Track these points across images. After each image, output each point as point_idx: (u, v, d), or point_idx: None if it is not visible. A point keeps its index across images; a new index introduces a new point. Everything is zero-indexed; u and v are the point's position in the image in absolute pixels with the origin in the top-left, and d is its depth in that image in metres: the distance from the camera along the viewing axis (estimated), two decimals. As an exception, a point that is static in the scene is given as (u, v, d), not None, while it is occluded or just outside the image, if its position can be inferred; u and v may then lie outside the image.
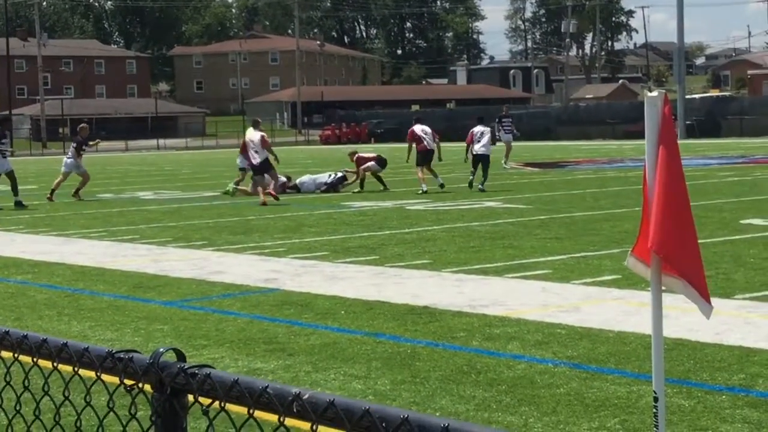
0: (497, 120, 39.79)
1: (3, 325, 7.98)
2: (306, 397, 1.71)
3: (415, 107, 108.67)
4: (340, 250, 15.65)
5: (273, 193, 25.38)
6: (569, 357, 8.44)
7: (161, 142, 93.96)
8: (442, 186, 27.10)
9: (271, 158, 25.52)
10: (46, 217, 23.39)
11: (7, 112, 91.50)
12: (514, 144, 41.31)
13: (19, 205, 26.25)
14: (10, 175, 26.48)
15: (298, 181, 28.81)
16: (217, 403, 1.87)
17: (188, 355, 8.85)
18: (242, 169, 28.31)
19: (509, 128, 40.13)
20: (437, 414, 6.88)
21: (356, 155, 29.43)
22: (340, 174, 29.06)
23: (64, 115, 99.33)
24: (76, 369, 2.15)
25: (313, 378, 8.01)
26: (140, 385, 2.00)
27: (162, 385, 1.95)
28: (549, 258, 14.09)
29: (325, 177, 28.67)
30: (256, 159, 25.36)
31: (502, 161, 37.97)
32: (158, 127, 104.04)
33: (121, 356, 2.05)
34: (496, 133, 36.29)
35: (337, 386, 7.76)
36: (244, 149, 26.72)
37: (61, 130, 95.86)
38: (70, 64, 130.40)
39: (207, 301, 11.64)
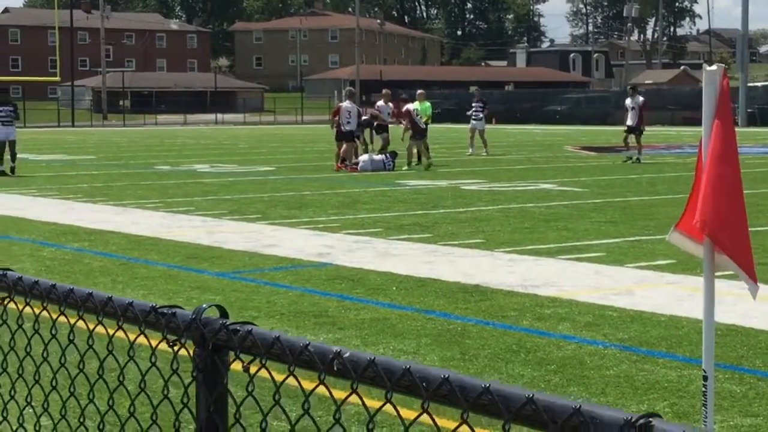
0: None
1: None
2: (347, 355, 1.70)
3: (473, 88, 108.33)
4: (393, 227, 15.64)
5: (344, 165, 28.04)
6: (620, 339, 8.38)
7: (219, 116, 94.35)
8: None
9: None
10: (104, 186, 23.59)
11: (69, 83, 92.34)
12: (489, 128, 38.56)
13: (12, 171, 27.25)
14: (12, 145, 27.53)
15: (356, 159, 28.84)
16: (257, 360, 1.87)
17: (239, 326, 8.93)
18: (357, 137, 29.50)
19: (479, 113, 35.87)
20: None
21: (405, 107, 30.31)
22: (391, 154, 28.96)
23: (125, 88, 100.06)
24: (120, 323, 2.16)
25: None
26: (182, 340, 2.00)
27: (204, 340, 1.95)
28: (603, 241, 13.99)
29: (380, 157, 28.59)
30: (345, 126, 28.33)
31: (468, 150, 35.38)
32: (217, 101, 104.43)
33: (164, 311, 2.05)
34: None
35: (386, 361, 7.75)
36: (336, 114, 29.12)
37: (121, 102, 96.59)
38: (132, 38, 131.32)
39: (259, 274, 11.69)
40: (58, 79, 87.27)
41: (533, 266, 12.03)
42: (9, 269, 2.65)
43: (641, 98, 31.12)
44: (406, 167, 28.51)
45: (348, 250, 13.37)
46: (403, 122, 30.11)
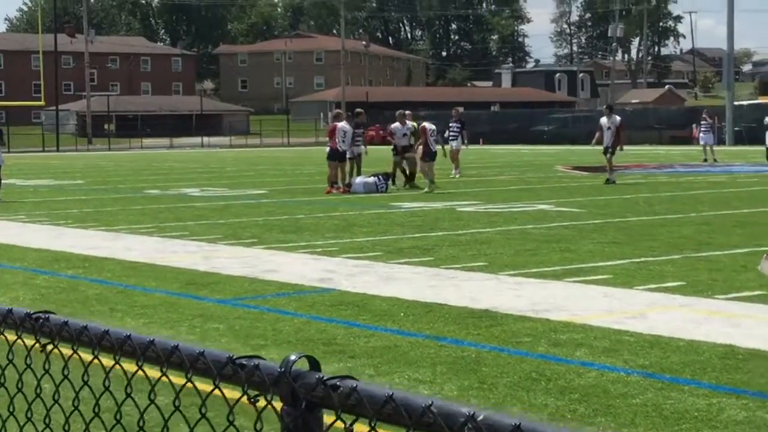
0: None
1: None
2: (480, 418, 1.44)
3: (459, 109, 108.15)
4: (393, 251, 15.38)
5: (335, 187, 27.84)
6: (641, 366, 8.12)
7: (205, 140, 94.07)
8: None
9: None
10: (94, 212, 23.28)
11: (54, 108, 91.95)
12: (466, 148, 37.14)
13: None
14: None
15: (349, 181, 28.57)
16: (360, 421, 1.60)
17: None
18: (351, 159, 29.29)
19: (456, 134, 35.12)
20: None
21: (422, 125, 29.37)
22: (383, 176, 28.69)
23: (110, 112, 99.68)
24: (189, 375, 1.89)
25: (376, 382, 7.74)
26: (268, 396, 1.73)
27: (295, 397, 1.68)
28: (608, 263, 13.75)
29: (373, 180, 28.31)
30: (341, 146, 28.14)
31: (451, 173, 34.14)
32: (203, 125, 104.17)
33: (244, 362, 1.78)
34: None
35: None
36: (331, 135, 28.82)
37: (106, 126, 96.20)
38: (116, 61, 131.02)
39: (261, 300, 11.41)
40: (42, 103, 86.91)
41: (540, 290, 11.77)
42: (52, 312, 2.38)
43: (618, 118, 30.39)
44: (426, 189, 27.52)
45: (350, 275, 13.09)
46: (392, 140, 29.88)
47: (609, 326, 9.64)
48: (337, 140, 28.21)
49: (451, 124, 35.42)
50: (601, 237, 16.71)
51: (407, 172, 29.65)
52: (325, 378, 1.64)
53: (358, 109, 31.52)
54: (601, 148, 30.09)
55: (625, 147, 31.00)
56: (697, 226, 18.10)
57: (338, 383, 1.62)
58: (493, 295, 11.48)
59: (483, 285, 12.19)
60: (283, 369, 1.69)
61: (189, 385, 2.00)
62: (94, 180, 37.45)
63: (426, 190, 27.40)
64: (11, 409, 2.53)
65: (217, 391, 1.86)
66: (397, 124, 30.35)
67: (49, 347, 2.29)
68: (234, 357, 1.78)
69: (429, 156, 28.19)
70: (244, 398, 1.80)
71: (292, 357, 1.72)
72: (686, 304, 10.73)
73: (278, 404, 1.77)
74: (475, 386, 7.60)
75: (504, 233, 17.55)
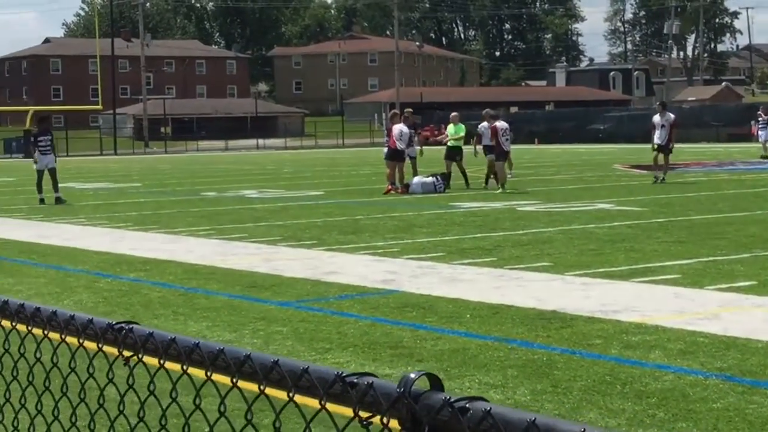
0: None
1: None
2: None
3: (513, 109, 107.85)
4: (455, 251, 15.19)
5: (393, 187, 27.62)
6: (719, 369, 7.87)
7: (260, 141, 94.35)
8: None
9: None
10: (153, 214, 23.28)
11: (111, 111, 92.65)
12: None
13: (58, 201, 27.08)
14: (52, 172, 27.24)
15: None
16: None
17: (312, 359, 8.47)
18: (413, 158, 29.29)
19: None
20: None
21: (493, 124, 28.52)
22: (441, 177, 28.49)
23: (166, 115, 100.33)
24: (291, 394, 1.72)
25: (447, 386, 7.49)
26: (384, 419, 1.56)
27: (417, 422, 1.51)
28: (675, 262, 13.46)
29: (431, 180, 28.12)
30: (398, 145, 27.84)
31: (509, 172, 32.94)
32: (257, 127, 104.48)
33: (355, 380, 1.61)
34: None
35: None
36: (390, 134, 28.66)
37: (162, 129, 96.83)
38: (172, 65, 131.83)
39: (324, 303, 11.26)
40: (100, 107, 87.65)
41: (608, 290, 11.53)
42: (136, 323, 2.22)
43: (672, 115, 29.66)
44: (500, 190, 27.06)
45: (413, 276, 12.92)
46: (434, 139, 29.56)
47: (682, 327, 9.38)
48: (393, 138, 28.03)
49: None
50: (665, 236, 16.40)
51: (489, 173, 28.96)
52: (451, 399, 1.47)
53: (408, 110, 31.29)
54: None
55: (683, 145, 30.29)
56: (765, 225, 17.73)
57: (467, 405, 1.45)
58: (561, 295, 11.25)
59: (549, 285, 11.96)
60: (402, 389, 1.52)
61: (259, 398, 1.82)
62: (152, 182, 37.57)
63: (499, 191, 26.92)
64: (92, 427, 2.38)
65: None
66: (484, 124, 29.60)
67: (134, 360, 2.13)
68: (343, 374, 1.61)
69: (501, 156, 27.70)
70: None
71: (412, 375, 1.55)
72: (760, 304, 10.45)
73: (394, 424, 1.60)
74: (548, 390, 7.40)
75: (566, 233, 17.29)
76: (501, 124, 28.12)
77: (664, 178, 29.04)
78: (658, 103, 32.04)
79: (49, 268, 14.65)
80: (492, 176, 28.50)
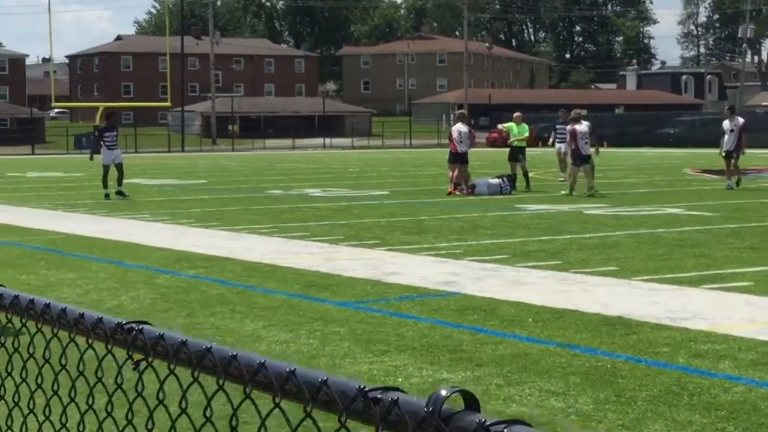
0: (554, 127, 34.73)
1: (174, 322, 7.43)
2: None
3: (583, 112, 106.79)
4: (519, 254, 14.89)
5: (458, 189, 27.31)
6: (793, 381, 7.53)
7: (327, 140, 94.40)
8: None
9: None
10: (216, 211, 23.22)
11: (179, 109, 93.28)
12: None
13: (120, 194, 27.22)
14: (119, 167, 27.54)
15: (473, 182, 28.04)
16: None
17: (368, 362, 8.25)
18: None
19: (564, 136, 32.32)
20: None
21: (572, 127, 27.40)
22: (508, 178, 28.15)
23: (234, 113, 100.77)
24: (308, 409, 1.49)
25: (506, 393, 7.30)
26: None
27: (448, 446, 1.27)
28: (747, 269, 13.06)
29: (497, 181, 27.79)
30: (460, 147, 27.62)
31: (560, 176, 32.92)
32: (325, 125, 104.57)
33: (378, 396, 1.37)
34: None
35: (534, 403, 7.03)
36: (450, 140, 28.41)
37: (230, 127, 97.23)
38: (240, 63, 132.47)
39: (384, 303, 11.03)
40: (169, 104, 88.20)
41: (676, 296, 11.18)
42: (147, 322, 2.00)
43: (741, 120, 28.78)
44: (565, 192, 26.69)
45: (475, 278, 12.65)
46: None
47: (754, 337, 9.03)
48: (454, 142, 27.75)
49: (557, 126, 33.74)
50: (737, 242, 15.97)
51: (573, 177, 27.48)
52: (487, 423, 1.22)
53: (461, 110, 30.94)
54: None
55: (755, 150, 29.49)
56: (841, 232, 17.23)
57: (505, 430, 1.21)
58: (627, 301, 10.93)
59: (615, 290, 11.64)
60: (431, 408, 1.28)
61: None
62: (217, 180, 37.60)
63: (564, 192, 26.55)
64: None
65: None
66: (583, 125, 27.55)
67: (143, 364, 1.91)
68: (365, 389, 1.37)
69: (580, 159, 26.75)
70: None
71: (443, 392, 1.31)
72: (836, 314, 10.05)
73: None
74: (612, 399, 7.11)
75: (634, 237, 16.92)
76: (581, 127, 27.15)
77: (738, 183, 28.24)
78: (726, 108, 31.34)
79: (110, 263, 14.57)
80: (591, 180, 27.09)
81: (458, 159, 27.70)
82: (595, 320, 9.88)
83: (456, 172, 27.66)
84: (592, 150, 26.88)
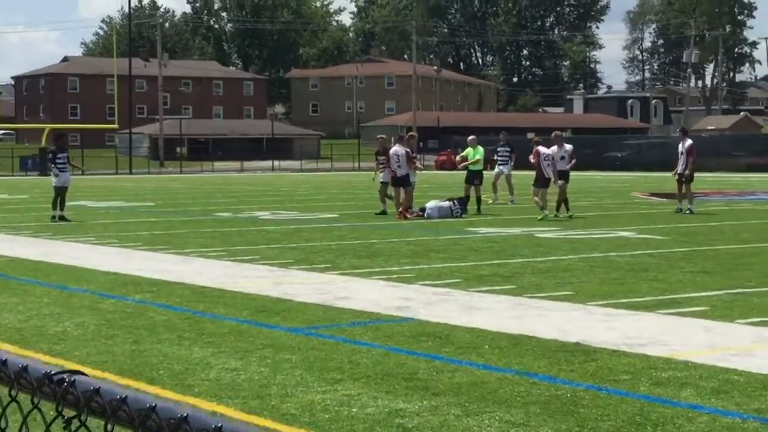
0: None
1: (120, 349, 7.09)
2: None
3: (530, 135, 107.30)
4: (472, 278, 14.68)
5: (404, 212, 26.71)
6: (757, 410, 7.35)
7: (276, 163, 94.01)
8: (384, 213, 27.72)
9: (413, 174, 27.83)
10: (164, 234, 22.84)
11: (127, 131, 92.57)
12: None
13: (63, 219, 26.68)
14: (65, 191, 27.13)
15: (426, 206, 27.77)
16: None
17: (321, 391, 7.96)
18: (384, 183, 28.65)
19: (506, 159, 33.75)
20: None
21: (535, 148, 26.73)
22: (459, 201, 27.97)
23: (182, 135, 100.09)
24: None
25: (465, 424, 7.05)
26: None
27: None
28: (702, 293, 12.93)
29: (448, 204, 27.57)
30: (399, 172, 27.11)
31: (491, 197, 32.81)
32: (273, 148, 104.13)
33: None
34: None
35: (494, 434, 6.79)
36: (388, 162, 27.84)
37: (178, 149, 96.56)
38: (189, 85, 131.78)
39: (336, 329, 10.77)
40: (116, 126, 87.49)
41: (633, 322, 11.01)
42: (83, 373, 1.73)
43: (689, 141, 27.97)
44: (542, 215, 25.86)
45: (428, 303, 12.42)
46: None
47: (714, 364, 8.87)
48: (392, 166, 27.33)
49: (499, 149, 33.60)
50: (690, 266, 15.87)
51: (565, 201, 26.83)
52: None
53: (411, 133, 30.84)
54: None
55: (702, 174, 28.83)
56: (795, 256, 17.19)
57: None
58: (584, 326, 10.75)
59: (571, 315, 11.45)
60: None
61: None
62: (165, 202, 37.16)
63: (540, 217, 25.72)
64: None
65: None
66: (554, 148, 27.02)
67: (75, 423, 1.64)
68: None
69: (542, 182, 26.36)
70: None
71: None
72: (795, 340, 9.92)
73: None
74: (574, 430, 6.90)
75: (587, 260, 16.78)
76: (544, 149, 26.62)
77: (690, 209, 27.55)
78: (679, 130, 31.14)
79: (54, 287, 14.19)
80: (563, 203, 26.69)
81: (399, 183, 27.30)
82: (553, 346, 9.68)
83: (403, 196, 27.41)
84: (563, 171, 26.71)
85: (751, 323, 10.80)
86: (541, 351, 9.48)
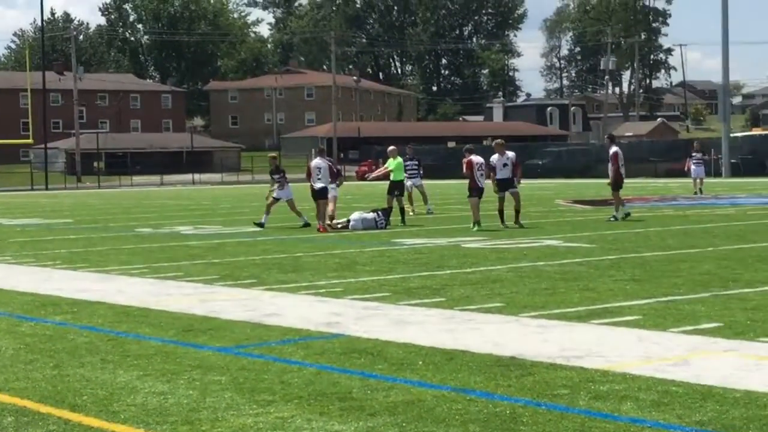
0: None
1: (40, 374, 6.74)
2: None
3: (451, 144, 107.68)
4: (401, 291, 14.47)
5: (323, 226, 26.37)
6: (699, 422, 7.21)
7: (196, 176, 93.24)
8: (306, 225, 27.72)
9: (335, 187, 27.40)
10: (84, 252, 22.34)
11: (42, 146, 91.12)
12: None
13: None
14: None
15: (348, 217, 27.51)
16: None
17: (253, 414, 7.66)
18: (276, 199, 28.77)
19: (415, 171, 33.69)
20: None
21: (468, 158, 26.03)
22: (383, 212, 27.77)
23: (99, 149, 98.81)
24: None
25: (404, 445, 6.81)
26: None
27: None
28: (633, 302, 12.84)
29: (372, 216, 27.34)
30: (317, 184, 26.64)
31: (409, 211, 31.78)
32: (193, 161, 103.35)
33: None
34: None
35: (434, 456, 6.57)
36: (308, 176, 27.48)
37: (96, 164, 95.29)
38: (105, 98, 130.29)
39: (266, 348, 10.48)
40: (30, 141, 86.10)
41: (567, 333, 10.86)
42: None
43: (612, 149, 27.72)
44: (475, 227, 25.27)
45: (358, 318, 12.17)
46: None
47: (651, 375, 8.73)
48: (312, 179, 26.94)
49: (407, 163, 32.55)
50: (619, 274, 15.81)
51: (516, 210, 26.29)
52: None
53: (320, 146, 30.93)
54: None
55: (625, 180, 28.48)
56: (718, 261, 17.22)
57: None
58: (517, 339, 10.58)
59: (504, 328, 11.28)
60: None
61: None
62: (84, 219, 36.51)
63: (475, 228, 25.20)
64: None
65: None
66: (495, 156, 26.55)
67: None
68: None
69: (476, 191, 25.74)
70: None
71: None
72: (730, 348, 9.83)
73: None
74: (516, 449, 6.69)
75: (515, 270, 16.65)
76: (476, 158, 26.03)
77: (614, 216, 27.52)
78: (606, 137, 31.05)
79: (-30, 310, 13.71)
80: (516, 213, 26.18)
81: (318, 195, 26.73)
82: (488, 361, 9.49)
83: (332, 208, 27.18)
84: (515, 180, 26.54)
85: (684, 332, 10.70)
86: (476, 366, 9.29)
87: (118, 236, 26.88)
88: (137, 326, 12.02)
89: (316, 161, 27.36)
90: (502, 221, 26.28)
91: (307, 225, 27.66)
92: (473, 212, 25.82)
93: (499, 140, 27.85)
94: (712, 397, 7.94)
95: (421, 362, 9.53)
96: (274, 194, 28.73)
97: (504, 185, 26.45)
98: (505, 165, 26.52)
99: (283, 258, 19.76)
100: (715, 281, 14.69)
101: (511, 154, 26.83)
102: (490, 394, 8.20)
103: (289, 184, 29.39)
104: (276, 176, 29.08)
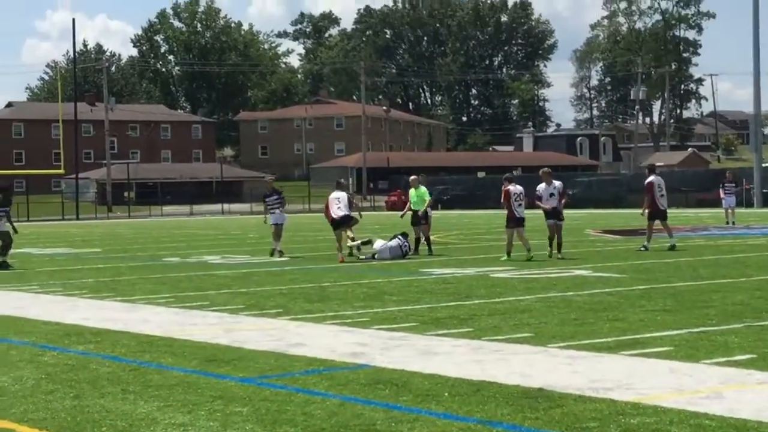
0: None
1: (60, 405, 6.57)
2: None
3: (481, 174, 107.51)
4: (428, 321, 14.27)
5: (343, 257, 26.57)
6: (734, 457, 6.98)
7: (226, 206, 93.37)
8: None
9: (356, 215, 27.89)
10: (111, 281, 22.27)
11: (73, 176, 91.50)
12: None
13: (5, 266, 26.36)
14: (6, 236, 26.76)
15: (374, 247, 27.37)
16: None
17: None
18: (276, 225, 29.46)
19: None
20: None
21: (506, 188, 25.89)
22: (402, 235, 27.57)
23: (130, 180, 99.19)
24: None
25: (427, 480, 6.62)
26: None
27: None
28: (665, 333, 12.60)
29: (396, 243, 27.18)
30: (338, 213, 26.99)
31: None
32: (223, 191, 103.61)
33: None
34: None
35: (459, 491, 6.36)
36: (327, 209, 27.80)
37: (126, 194, 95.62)
38: (136, 129, 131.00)
39: (289, 379, 10.31)
40: (62, 171, 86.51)
41: (597, 364, 10.64)
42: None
43: (648, 179, 27.79)
44: (504, 257, 25.23)
45: (384, 348, 11.98)
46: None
47: (683, 408, 8.49)
48: (332, 210, 27.29)
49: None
50: (650, 304, 15.56)
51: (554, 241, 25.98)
52: None
53: (341, 179, 31.27)
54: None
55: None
56: (751, 292, 16.94)
57: None
58: (546, 370, 10.36)
59: (532, 359, 11.06)
60: None
61: None
62: (112, 248, 36.52)
63: (504, 258, 25.10)
64: None
65: None
66: (542, 185, 26.33)
67: None
68: None
69: (513, 222, 25.60)
70: None
71: None
72: (765, 380, 9.58)
73: None
74: (543, 485, 6.48)
75: (544, 300, 16.43)
76: (514, 188, 25.73)
77: (645, 246, 27.38)
78: (647, 167, 30.70)
79: (-7, 339, 13.61)
80: (558, 244, 25.93)
81: (341, 223, 27.13)
82: (515, 393, 9.28)
83: (351, 234, 27.27)
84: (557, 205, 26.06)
85: (717, 363, 10.46)
86: (503, 398, 9.08)
87: (146, 265, 26.82)
88: (160, 356, 11.87)
89: (335, 193, 27.65)
90: (551, 250, 25.93)
91: (272, 254, 28.34)
92: (507, 243, 25.58)
93: (546, 169, 27.23)
94: (747, 431, 7.71)
95: (447, 394, 9.33)
96: (271, 221, 28.98)
97: (551, 214, 26.09)
98: (552, 195, 26.15)
99: (310, 288, 19.60)
100: (748, 312, 14.42)
101: (558, 183, 26.37)
102: (517, 427, 8.00)
103: (285, 211, 29.70)
104: (269, 199, 29.37)
